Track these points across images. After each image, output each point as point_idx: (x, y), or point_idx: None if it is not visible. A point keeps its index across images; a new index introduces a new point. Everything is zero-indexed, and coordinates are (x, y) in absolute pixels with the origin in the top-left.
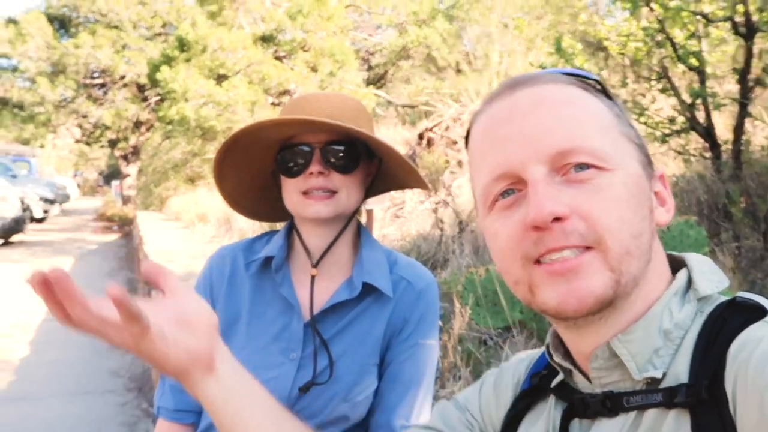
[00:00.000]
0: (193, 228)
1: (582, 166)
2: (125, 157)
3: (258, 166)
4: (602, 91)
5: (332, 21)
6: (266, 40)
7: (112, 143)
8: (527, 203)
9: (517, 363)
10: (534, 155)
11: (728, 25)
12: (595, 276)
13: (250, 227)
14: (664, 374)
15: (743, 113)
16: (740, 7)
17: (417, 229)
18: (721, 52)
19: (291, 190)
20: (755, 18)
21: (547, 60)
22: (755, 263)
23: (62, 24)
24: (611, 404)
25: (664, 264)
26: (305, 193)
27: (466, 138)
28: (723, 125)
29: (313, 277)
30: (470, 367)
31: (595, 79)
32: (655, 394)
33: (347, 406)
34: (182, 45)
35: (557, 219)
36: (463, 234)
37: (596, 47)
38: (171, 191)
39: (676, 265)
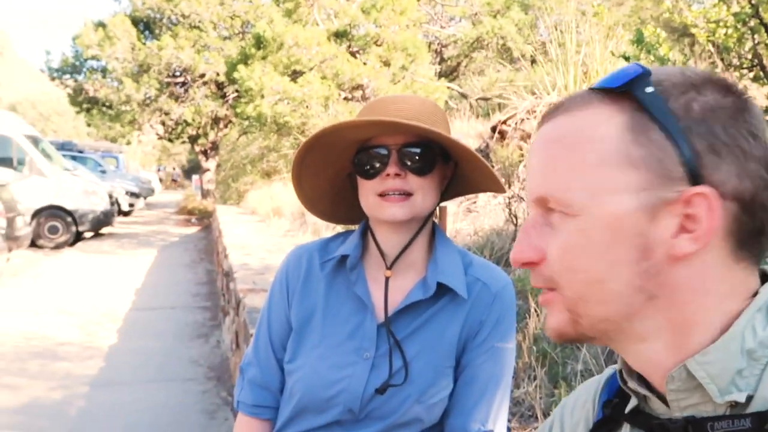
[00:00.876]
0: (269, 222)
1: (554, 211)
2: (204, 153)
3: (335, 168)
4: (635, 98)
5: (405, 15)
6: (340, 35)
7: (193, 139)
8: None
9: (584, 393)
10: (529, 196)
11: None
12: (554, 313)
13: (323, 222)
14: (750, 397)
15: None
16: None
17: (490, 224)
18: None
19: (367, 192)
20: None
21: (628, 49)
22: None
23: (147, 26)
24: (694, 430)
25: (722, 282)
26: (381, 195)
27: None
28: None
29: (387, 278)
30: (545, 368)
31: (626, 90)
32: (743, 420)
33: (421, 408)
34: (259, 43)
35: (527, 263)
36: None
37: (681, 33)
38: (248, 185)
39: (764, 279)
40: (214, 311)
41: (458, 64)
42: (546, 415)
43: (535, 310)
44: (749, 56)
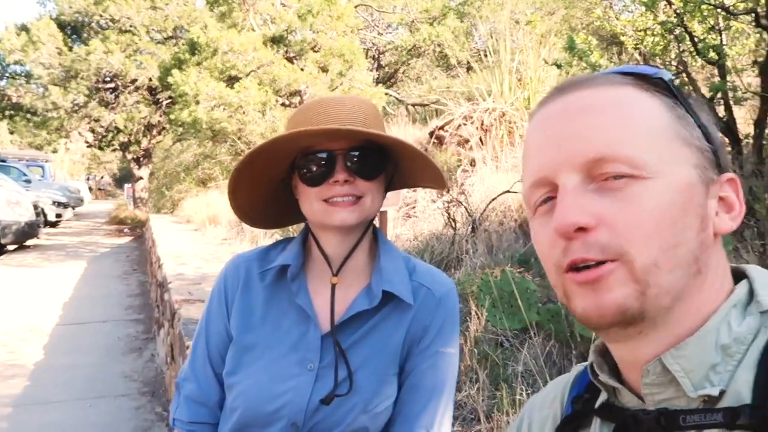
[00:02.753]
0: (205, 230)
1: (617, 177)
2: (137, 160)
3: (272, 175)
4: (667, 88)
5: (342, 20)
6: (276, 41)
7: (124, 146)
8: (555, 209)
9: (551, 392)
10: (567, 163)
11: (750, 17)
12: (616, 287)
13: (261, 230)
14: (722, 392)
15: (765, 107)
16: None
17: (429, 229)
18: (741, 45)
19: (312, 199)
20: None
21: (560, 57)
22: None
23: (75, 30)
24: (666, 422)
25: (724, 275)
26: (327, 200)
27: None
28: (743, 120)
29: (333, 286)
30: (487, 370)
31: (659, 77)
32: (715, 414)
33: (367, 417)
34: (193, 48)
35: (581, 229)
36: (476, 233)
37: (610, 42)
38: (183, 193)
39: (736, 276)
40: (148, 324)
41: (396, 70)
42: (488, 417)
43: (476, 313)
44: (675, 63)
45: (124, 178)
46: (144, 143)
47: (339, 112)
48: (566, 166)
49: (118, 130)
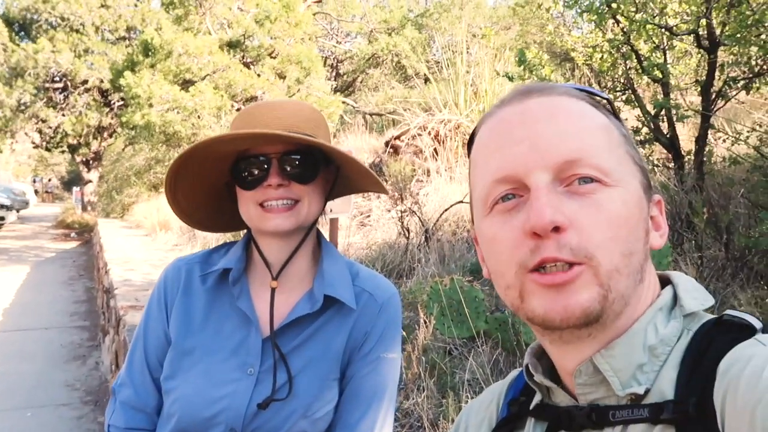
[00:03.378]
0: (155, 235)
1: (586, 179)
2: (86, 163)
3: (212, 178)
4: (611, 111)
5: (300, 27)
6: (233, 45)
7: (73, 149)
8: (528, 209)
9: (488, 397)
10: (540, 162)
11: (692, 38)
12: (583, 289)
13: (214, 235)
14: (648, 390)
15: (706, 125)
16: (703, 21)
17: (383, 238)
18: (684, 64)
19: (248, 203)
20: (718, 32)
21: (513, 70)
22: (717, 273)
23: (23, 27)
24: (597, 417)
25: (654, 283)
26: (263, 205)
27: (470, 140)
28: (686, 136)
29: (273, 290)
30: (434, 378)
31: (606, 98)
32: (642, 409)
33: (307, 422)
34: (147, 50)
35: (556, 229)
36: (429, 243)
37: (562, 58)
38: (133, 198)
39: (662, 283)
40: (93, 331)
41: (354, 79)
42: (434, 425)
43: (425, 321)
44: (622, 80)
45: (72, 181)
46: (94, 146)
47: (277, 116)
48: (539, 164)
49: (67, 132)
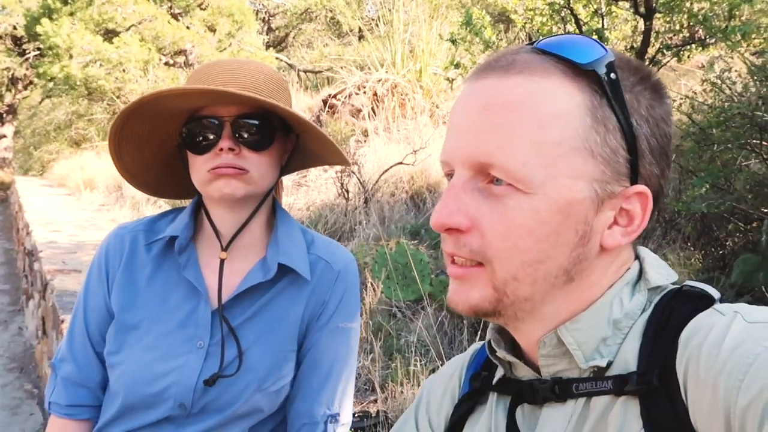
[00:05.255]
0: (80, 195)
1: (500, 181)
2: None
3: (161, 137)
4: (599, 81)
5: None
6: None
7: None
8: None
9: (449, 370)
10: (462, 158)
11: (629, 4)
12: (476, 288)
13: (143, 195)
14: (610, 363)
15: None
16: None
17: (322, 199)
18: (620, 30)
19: (198, 167)
20: None
21: (452, 30)
22: (648, 234)
23: None
24: (560, 390)
25: (610, 267)
26: (214, 170)
27: None
28: None
29: (222, 261)
30: (381, 341)
31: (592, 69)
32: (605, 382)
33: (261, 396)
34: None
35: (455, 229)
36: (368, 204)
37: (497, 19)
38: (54, 155)
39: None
40: (15, 295)
41: (287, 35)
42: (382, 388)
43: (371, 284)
44: None
45: None
46: (8, 98)
47: (235, 75)
48: (460, 160)
49: None
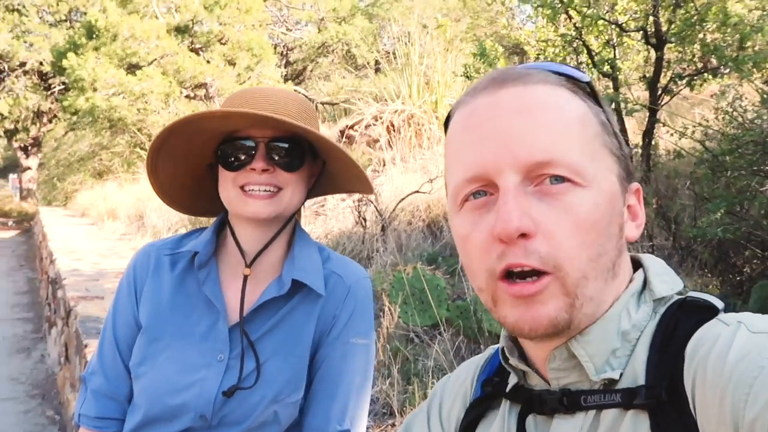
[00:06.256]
0: (102, 225)
1: (558, 178)
2: (24, 149)
3: (196, 157)
4: (592, 94)
5: (250, 14)
6: (181, 31)
7: (10, 134)
8: (496, 211)
9: (463, 373)
10: (510, 162)
11: (640, 35)
12: (551, 301)
13: (164, 224)
14: (621, 374)
15: (653, 119)
16: (651, 19)
17: (339, 228)
18: (632, 60)
19: (229, 185)
20: (664, 29)
21: (467, 62)
22: (665, 261)
23: None
24: (569, 402)
25: (628, 269)
26: (244, 188)
27: (446, 124)
28: (631, 130)
29: (245, 277)
30: (398, 365)
31: (587, 82)
32: (614, 395)
33: (278, 407)
34: (91, 32)
35: (523, 235)
36: (385, 232)
37: (511, 51)
38: (77, 186)
39: (633, 266)
40: (38, 323)
41: (304, 68)
42: (401, 412)
43: (389, 309)
44: None
45: (8, 167)
46: (33, 131)
47: (269, 102)
48: (509, 164)
49: (3, 116)
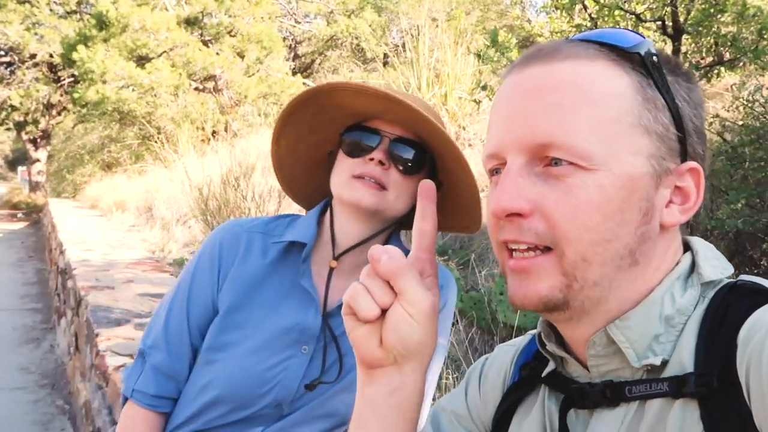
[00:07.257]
0: (111, 216)
1: (559, 161)
2: (34, 141)
3: (319, 137)
4: (642, 62)
5: (260, 6)
6: (191, 23)
7: (20, 126)
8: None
9: (501, 356)
10: (516, 143)
11: (657, 25)
12: (543, 278)
13: (173, 216)
14: (665, 361)
15: None
16: (669, 9)
17: None
18: None
19: (343, 170)
20: (682, 19)
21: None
22: None
23: None
24: (612, 394)
25: (676, 250)
26: (355, 177)
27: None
28: None
29: (331, 270)
30: None
31: (636, 52)
32: (661, 384)
33: (345, 396)
34: (101, 23)
35: (516, 214)
36: None
37: (522, 44)
38: (86, 178)
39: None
40: (47, 313)
41: (312, 61)
42: None
43: None
44: None
45: (17, 159)
46: (42, 123)
47: (407, 97)
48: (514, 146)
49: (13, 108)
